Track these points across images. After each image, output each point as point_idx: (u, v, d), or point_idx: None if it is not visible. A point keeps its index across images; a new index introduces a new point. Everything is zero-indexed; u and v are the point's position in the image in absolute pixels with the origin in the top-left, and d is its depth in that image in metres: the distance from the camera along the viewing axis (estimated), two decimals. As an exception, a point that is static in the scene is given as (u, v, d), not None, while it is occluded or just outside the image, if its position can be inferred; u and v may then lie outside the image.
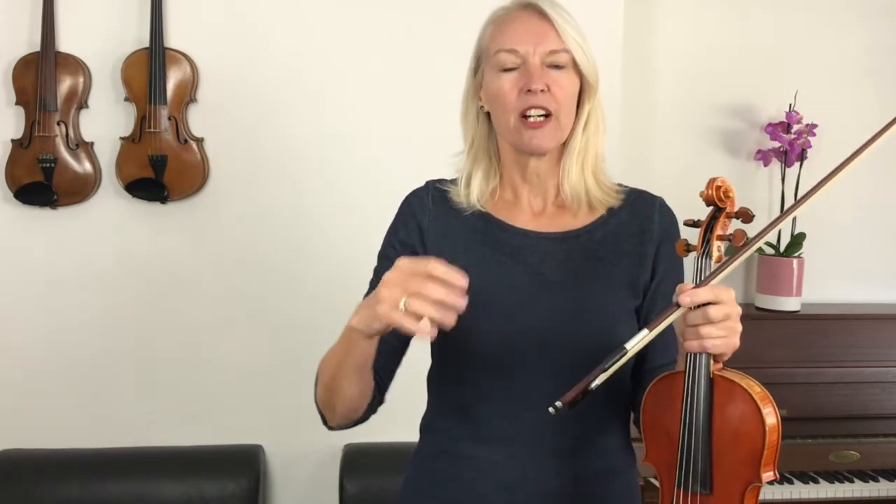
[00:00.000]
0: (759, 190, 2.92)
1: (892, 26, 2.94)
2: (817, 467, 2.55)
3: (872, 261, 2.99)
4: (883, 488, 2.51)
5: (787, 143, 2.76)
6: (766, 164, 2.83)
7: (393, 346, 1.43)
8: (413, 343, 1.44)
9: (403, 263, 1.14)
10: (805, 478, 2.51)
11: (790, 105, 2.81)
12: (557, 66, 1.37)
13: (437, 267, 1.10)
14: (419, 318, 1.10)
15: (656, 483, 2.52)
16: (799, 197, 1.28)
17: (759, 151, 2.84)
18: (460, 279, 1.11)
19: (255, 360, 2.63)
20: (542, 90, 1.34)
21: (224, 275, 2.61)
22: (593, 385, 1.16)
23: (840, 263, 2.92)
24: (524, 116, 1.36)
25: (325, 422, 1.43)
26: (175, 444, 2.59)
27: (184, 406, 2.63)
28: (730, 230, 1.24)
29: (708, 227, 1.26)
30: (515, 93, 1.36)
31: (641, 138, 2.84)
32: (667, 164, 2.83)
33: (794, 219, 2.78)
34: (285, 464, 2.68)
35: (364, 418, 1.43)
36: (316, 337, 2.51)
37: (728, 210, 1.25)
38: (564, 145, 1.42)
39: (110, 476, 2.48)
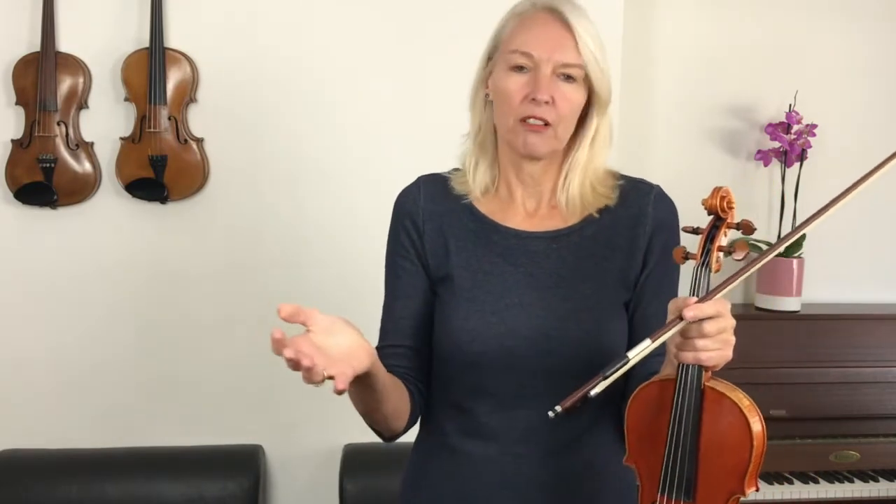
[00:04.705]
0: (759, 190, 2.92)
1: (892, 26, 2.94)
2: (817, 467, 2.54)
3: (872, 261, 2.98)
4: (883, 488, 2.51)
5: (787, 143, 2.76)
6: (766, 165, 2.83)
7: (408, 348, 1.46)
8: None
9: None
10: (805, 478, 2.51)
11: (790, 105, 2.81)
12: (568, 78, 1.35)
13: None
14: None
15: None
16: (815, 211, 1.25)
17: (759, 151, 2.84)
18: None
19: (255, 361, 2.62)
20: (546, 101, 1.33)
21: (224, 275, 2.61)
22: (593, 393, 1.16)
23: (840, 263, 2.92)
24: (523, 120, 1.35)
25: (381, 437, 1.44)
26: (175, 444, 2.59)
27: (184, 406, 2.63)
28: (729, 240, 1.23)
29: (708, 237, 1.24)
30: (520, 97, 1.35)
31: (641, 138, 2.84)
32: (666, 165, 2.82)
33: (795, 218, 2.78)
34: (285, 464, 2.68)
35: (413, 421, 1.45)
36: (316, 337, 2.54)
37: (729, 220, 1.23)
38: (567, 157, 1.42)
39: (110, 476, 2.48)
